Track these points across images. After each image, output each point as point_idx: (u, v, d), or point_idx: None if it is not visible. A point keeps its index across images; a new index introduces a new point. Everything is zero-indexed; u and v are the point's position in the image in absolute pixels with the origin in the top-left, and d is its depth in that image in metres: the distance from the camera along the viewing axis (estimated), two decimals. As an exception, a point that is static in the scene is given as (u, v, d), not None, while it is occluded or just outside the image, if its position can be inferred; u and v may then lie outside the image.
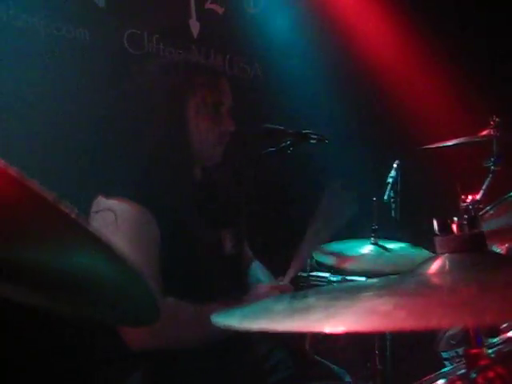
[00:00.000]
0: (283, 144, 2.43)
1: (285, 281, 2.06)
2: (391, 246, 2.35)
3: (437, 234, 0.89)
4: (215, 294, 1.79)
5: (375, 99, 3.44)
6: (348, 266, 2.18)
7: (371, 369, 2.26)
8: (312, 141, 2.39)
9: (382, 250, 2.28)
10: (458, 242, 0.85)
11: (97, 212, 1.83)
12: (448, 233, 0.88)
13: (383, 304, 0.63)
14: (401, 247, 2.36)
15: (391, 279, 0.84)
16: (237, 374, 1.91)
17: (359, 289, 0.80)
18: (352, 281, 2.28)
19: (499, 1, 3.43)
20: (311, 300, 0.74)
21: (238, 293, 1.92)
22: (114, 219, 1.78)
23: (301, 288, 2.45)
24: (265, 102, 3.22)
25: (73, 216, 0.63)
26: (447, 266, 0.81)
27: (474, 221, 0.87)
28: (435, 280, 0.79)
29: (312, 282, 2.58)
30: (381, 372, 2.31)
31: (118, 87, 2.41)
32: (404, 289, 0.74)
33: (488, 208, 2.24)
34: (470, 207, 2.52)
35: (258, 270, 2.32)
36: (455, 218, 0.88)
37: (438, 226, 0.89)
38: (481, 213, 2.25)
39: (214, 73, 2.05)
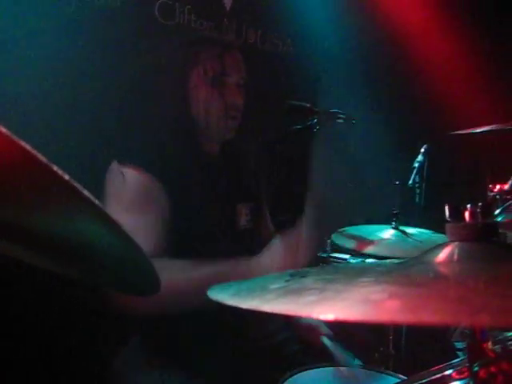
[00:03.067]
0: (310, 122, 2.41)
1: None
2: (412, 231, 2.31)
3: (448, 221, 0.86)
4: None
5: (407, 82, 3.37)
6: (367, 250, 2.14)
7: (384, 353, 2.24)
8: (339, 120, 2.36)
9: (402, 235, 2.24)
10: (469, 231, 0.81)
11: (109, 175, 1.86)
12: (460, 220, 0.84)
13: (378, 292, 0.60)
14: (422, 233, 2.31)
15: (395, 264, 0.81)
16: (247, 346, 1.92)
17: (360, 272, 0.77)
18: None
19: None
20: (308, 281, 0.72)
21: None
22: (123, 181, 1.80)
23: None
24: (294, 79, 3.17)
25: (66, 179, 0.62)
26: (456, 256, 0.77)
27: (487, 209, 0.83)
28: (441, 269, 0.75)
29: (332, 263, 2.57)
30: (394, 357, 2.30)
31: (143, 58, 2.41)
32: (406, 276, 0.71)
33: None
34: (498, 197, 2.47)
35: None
36: (468, 205, 0.84)
37: (450, 212, 0.85)
38: (508, 203, 2.19)
39: (220, 44, 2.00)
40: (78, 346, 2.11)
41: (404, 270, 0.76)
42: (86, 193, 0.65)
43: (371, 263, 0.87)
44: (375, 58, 3.38)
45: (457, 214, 0.84)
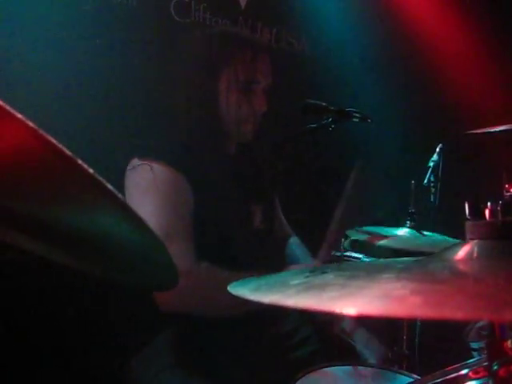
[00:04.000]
0: (325, 121, 2.40)
1: (317, 262, 2.04)
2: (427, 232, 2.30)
3: (468, 219, 0.86)
4: (245, 265, 1.79)
5: (423, 82, 3.35)
6: (381, 243, 2.13)
7: (397, 353, 2.24)
8: (354, 119, 2.35)
9: (417, 233, 2.23)
10: (489, 229, 0.81)
11: (133, 167, 1.85)
12: (480, 218, 0.84)
13: (400, 288, 0.60)
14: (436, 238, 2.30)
15: (415, 261, 0.81)
16: (262, 347, 1.92)
17: (380, 268, 0.77)
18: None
19: None
20: (329, 277, 0.72)
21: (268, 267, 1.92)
22: (151, 173, 1.79)
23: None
24: (309, 77, 3.17)
25: (90, 172, 0.62)
26: (475, 253, 0.77)
27: (507, 207, 0.83)
28: (461, 267, 0.75)
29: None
30: (408, 357, 2.29)
31: (163, 55, 2.41)
32: (426, 273, 0.71)
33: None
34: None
35: (295, 247, 2.31)
36: (488, 203, 0.84)
37: (470, 210, 0.85)
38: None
39: (253, 48, 2.00)
40: (97, 344, 2.12)
41: (423, 267, 0.76)
42: (109, 186, 0.65)
43: (389, 260, 0.87)
44: (390, 56, 3.36)
45: (477, 211, 0.84)
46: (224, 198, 1.91)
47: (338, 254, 2.69)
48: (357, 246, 2.26)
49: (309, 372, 1.77)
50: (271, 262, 1.96)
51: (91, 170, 0.63)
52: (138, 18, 2.66)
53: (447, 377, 1.19)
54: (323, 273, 0.75)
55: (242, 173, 2.08)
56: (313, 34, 3.33)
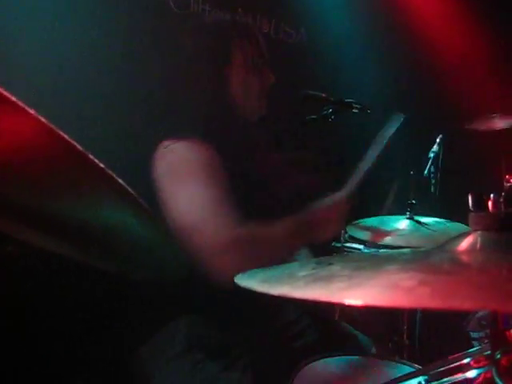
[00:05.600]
0: (325, 111, 2.42)
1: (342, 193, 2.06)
2: (427, 220, 2.31)
3: (471, 210, 0.87)
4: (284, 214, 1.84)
5: (423, 72, 3.35)
6: (383, 241, 2.15)
7: (398, 343, 2.26)
8: (354, 110, 2.37)
9: (417, 225, 2.24)
10: (492, 220, 0.82)
11: (165, 150, 1.84)
12: (483, 209, 0.85)
13: (408, 279, 0.61)
14: (437, 222, 2.32)
15: (419, 253, 0.82)
16: (264, 337, 1.94)
17: (386, 260, 0.78)
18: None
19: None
20: (336, 268, 0.73)
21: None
22: (186, 154, 1.80)
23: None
24: (309, 68, 3.17)
25: (101, 167, 0.63)
26: (479, 244, 0.78)
27: (510, 199, 0.84)
28: (465, 258, 0.77)
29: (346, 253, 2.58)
30: (408, 347, 2.31)
31: (173, 44, 2.41)
32: (431, 264, 0.72)
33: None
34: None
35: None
36: (491, 195, 0.85)
37: (473, 201, 0.86)
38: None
39: (252, 30, 2.08)
40: (105, 332, 2.13)
41: (428, 258, 0.77)
42: (120, 181, 0.66)
43: (394, 252, 0.88)
44: (391, 47, 3.36)
45: (480, 203, 0.85)
46: (252, 165, 1.95)
47: (338, 244, 2.71)
48: (358, 241, 2.28)
49: (310, 362, 1.79)
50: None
51: (102, 165, 0.64)
52: (136, 9, 2.66)
53: (449, 366, 1.21)
54: (329, 264, 0.76)
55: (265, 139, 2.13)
56: (311, 25, 3.33)
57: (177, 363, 1.85)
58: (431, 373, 1.19)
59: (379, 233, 2.27)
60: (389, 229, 2.26)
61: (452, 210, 2.40)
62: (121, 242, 0.83)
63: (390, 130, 2.05)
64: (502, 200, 0.84)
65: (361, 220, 2.45)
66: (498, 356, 0.88)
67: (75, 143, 0.61)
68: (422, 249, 0.83)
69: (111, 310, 2.14)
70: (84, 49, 2.43)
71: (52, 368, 2.04)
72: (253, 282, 0.72)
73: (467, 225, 2.15)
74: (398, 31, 3.42)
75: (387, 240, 2.16)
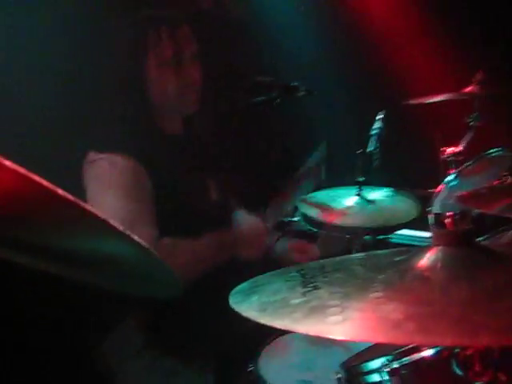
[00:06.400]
0: (270, 95, 2.45)
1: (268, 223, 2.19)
2: (375, 194, 2.43)
3: (433, 227, 0.98)
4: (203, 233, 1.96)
5: (364, 52, 3.43)
6: (332, 221, 2.26)
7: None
8: (299, 93, 2.42)
9: (365, 203, 2.36)
10: (450, 236, 0.95)
11: (91, 162, 1.91)
12: (442, 226, 0.97)
13: (393, 311, 0.71)
14: (384, 196, 2.45)
15: (393, 273, 0.93)
16: (221, 333, 2.04)
17: (365, 283, 0.88)
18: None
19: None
20: (324, 295, 0.83)
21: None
22: (108, 168, 1.87)
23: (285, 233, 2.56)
24: (252, 50, 3.18)
25: (69, 198, 0.66)
26: (441, 262, 0.90)
27: (464, 216, 0.96)
28: (431, 275, 0.88)
29: (294, 228, 2.64)
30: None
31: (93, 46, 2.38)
32: (410, 291, 0.82)
33: (467, 164, 2.34)
34: (451, 159, 2.62)
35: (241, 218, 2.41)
36: (448, 213, 0.97)
37: (434, 219, 0.98)
38: (460, 168, 2.35)
39: (172, 23, 2.07)
40: (68, 328, 2.17)
41: (402, 279, 0.88)
42: (89, 207, 0.70)
43: (368, 270, 0.98)
44: (334, 28, 3.41)
45: (440, 220, 0.97)
46: (177, 176, 2.02)
47: (286, 219, 2.78)
48: (308, 220, 2.37)
49: (276, 337, 1.91)
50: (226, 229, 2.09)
51: (71, 197, 0.66)
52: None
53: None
54: (316, 288, 0.86)
55: (191, 149, 2.17)
56: (254, 2, 3.31)
57: (136, 360, 1.95)
58: (394, 353, 1.34)
59: (329, 211, 2.36)
60: (338, 207, 2.37)
61: (396, 182, 2.55)
62: (108, 263, 0.89)
63: (316, 157, 2.16)
64: (458, 218, 0.96)
65: (311, 195, 2.54)
66: (457, 350, 1.02)
67: (55, 188, 0.65)
68: (393, 269, 0.94)
69: (67, 312, 2.18)
70: (10, 55, 2.37)
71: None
72: (253, 311, 0.82)
73: (410, 194, 2.28)
74: (343, 11, 3.45)
75: (337, 221, 2.26)
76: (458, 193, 1.72)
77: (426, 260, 0.92)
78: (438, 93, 2.51)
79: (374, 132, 2.58)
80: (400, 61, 3.32)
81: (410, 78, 3.22)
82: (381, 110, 2.60)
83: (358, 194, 2.37)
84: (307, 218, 2.36)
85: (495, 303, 0.72)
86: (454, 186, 2.27)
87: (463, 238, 0.94)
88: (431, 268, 0.89)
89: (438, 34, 3.21)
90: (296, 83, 2.43)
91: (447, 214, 0.96)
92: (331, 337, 0.68)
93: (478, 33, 3.17)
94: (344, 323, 0.71)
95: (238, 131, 2.82)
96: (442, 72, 3.11)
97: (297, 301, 0.82)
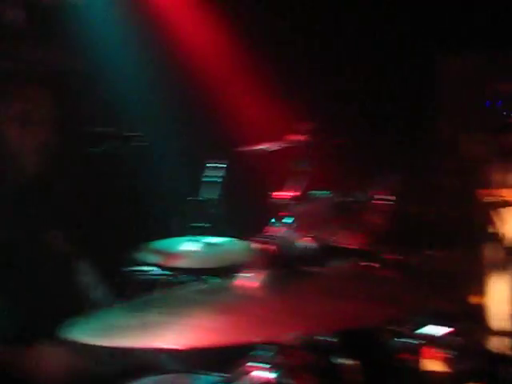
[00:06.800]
0: (107, 145, 2.46)
1: None
2: (217, 241, 2.52)
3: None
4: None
5: (198, 99, 3.54)
6: (176, 263, 2.30)
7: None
8: (133, 143, 2.46)
9: (209, 246, 2.43)
10: (270, 260, 1.05)
11: None
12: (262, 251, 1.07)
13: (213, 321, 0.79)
14: (226, 241, 2.55)
15: (216, 294, 1.02)
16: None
17: (189, 303, 0.96)
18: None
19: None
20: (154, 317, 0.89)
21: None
22: None
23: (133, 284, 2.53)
24: (88, 101, 3.17)
25: None
26: (259, 280, 1.00)
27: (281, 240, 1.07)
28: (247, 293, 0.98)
29: (139, 277, 2.62)
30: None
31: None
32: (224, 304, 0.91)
33: (298, 205, 2.49)
34: (283, 203, 2.76)
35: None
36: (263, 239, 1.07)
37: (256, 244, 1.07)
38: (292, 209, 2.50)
39: (23, 81, 2.07)
40: None
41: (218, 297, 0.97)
42: None
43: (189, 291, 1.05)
44: (170, 77, 3.49)
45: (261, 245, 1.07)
46: (20, 227, 1.97)
47: (129, 269, 2.74)
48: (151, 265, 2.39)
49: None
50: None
51: None
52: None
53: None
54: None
55: (36, 201, 2.13)
56: (89, 55, 3.31)
57: None
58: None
59: (171, 255, 2.40)
60: (179, 251, 2.42)
61: (239, 229, 2.63)
62: None
63: None
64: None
65: (150, 243, 2.55)
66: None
67: None
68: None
69: None
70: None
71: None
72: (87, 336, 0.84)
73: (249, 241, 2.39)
74: (173, 60, 3.55)
75: (179, 263, 2.31)
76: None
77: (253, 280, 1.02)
78: (267, 140, 2.66)
79: (209, 179, 2.68)
80: (233, 109, 3.48)
81: (243, 126, 3.38)
82: (215, 157, 2.72)
83: (198, 240, 2.45)
84: (149, 265, 2.39)
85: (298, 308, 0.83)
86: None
87: (279, 261, 1.05)
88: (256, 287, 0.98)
89: (271, 84, 3.41)
90: (130, 133, 2.47)
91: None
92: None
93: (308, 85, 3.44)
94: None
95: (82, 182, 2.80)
96: (272, 120, 3.30)
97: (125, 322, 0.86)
